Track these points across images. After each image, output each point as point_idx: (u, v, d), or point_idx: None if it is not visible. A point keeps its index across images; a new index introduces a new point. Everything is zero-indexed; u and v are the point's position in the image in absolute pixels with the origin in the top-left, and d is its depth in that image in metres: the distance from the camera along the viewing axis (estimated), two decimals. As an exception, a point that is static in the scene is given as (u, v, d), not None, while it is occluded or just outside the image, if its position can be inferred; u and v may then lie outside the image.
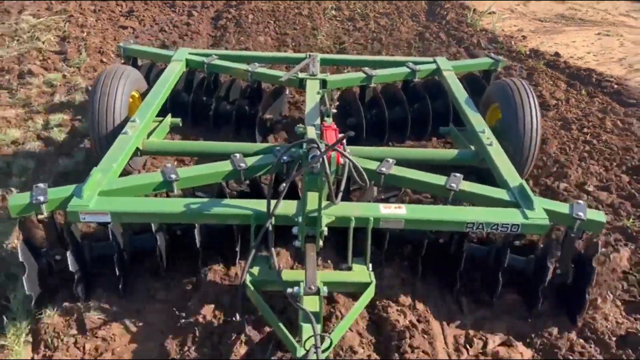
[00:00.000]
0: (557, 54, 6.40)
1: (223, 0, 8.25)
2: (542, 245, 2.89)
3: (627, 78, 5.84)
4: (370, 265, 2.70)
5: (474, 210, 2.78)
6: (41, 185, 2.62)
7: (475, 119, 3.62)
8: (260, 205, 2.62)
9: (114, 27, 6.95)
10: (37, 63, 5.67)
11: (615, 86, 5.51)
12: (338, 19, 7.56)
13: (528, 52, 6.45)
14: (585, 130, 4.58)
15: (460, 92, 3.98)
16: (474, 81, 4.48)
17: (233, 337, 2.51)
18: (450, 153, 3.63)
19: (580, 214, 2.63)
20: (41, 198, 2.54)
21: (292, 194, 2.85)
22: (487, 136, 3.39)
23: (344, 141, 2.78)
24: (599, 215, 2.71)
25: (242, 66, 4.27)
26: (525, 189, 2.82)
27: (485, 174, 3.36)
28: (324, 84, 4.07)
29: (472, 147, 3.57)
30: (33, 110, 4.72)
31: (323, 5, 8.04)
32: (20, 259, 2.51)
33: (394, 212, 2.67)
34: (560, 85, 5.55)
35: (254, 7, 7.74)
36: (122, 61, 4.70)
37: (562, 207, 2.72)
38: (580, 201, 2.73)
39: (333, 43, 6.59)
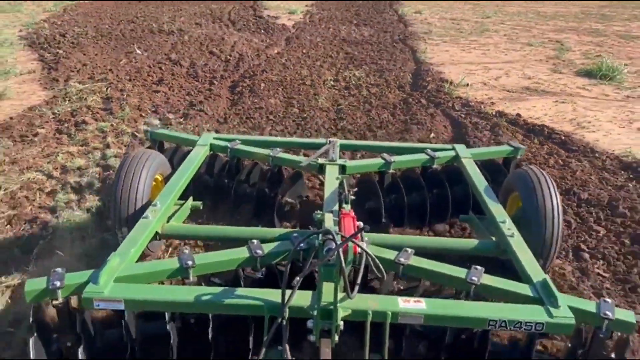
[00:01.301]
0: (518, 115, 7.67)
1: (238, 73, 9.71)
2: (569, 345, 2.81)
3: (575, 133, 7.06)
4: None
5: (496, 307, 2.67)
6: (59, 270, 2.63)
7: (496, 209, 3.57)
8: (274, 295, 2.57)
9: (148, 91, 8.27)
10: (89, 116, 6.92)
11: (563, 138, 6.73)
12: (336, 88, 8.92)
13: (494, 113, 7.73)
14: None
15: (479, 181, 3.95)
16: (494, 168, 4.54)
17: None
18: (471, 243, 3.58)
19: (608, 313, 2.51)
20: (57, 283, 2.54)
21: (310, 284, 2.74)
22: (508, 227, 3.33)
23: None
24: (629, 315, 2.56)
25: (264, 151, 4.38)
26: (549, 284, 2.72)
27: (507, 264, 3.29)
28: (343, 169, 4.09)
29: (493, 238, 3.53)
30: (91, 147, 5.90)
31: (323, 77, 9.45)
32: (32, 357, 2.48)
33: (414, 306, 2.57)
34: (518, 136, 6.77)
35: (265, 78, 9.13)
36: (148, 145, 4.88)
37: (589, 305, 2.61)
38: (607, 299, 2.62)
39: (331, 105, 7.90)
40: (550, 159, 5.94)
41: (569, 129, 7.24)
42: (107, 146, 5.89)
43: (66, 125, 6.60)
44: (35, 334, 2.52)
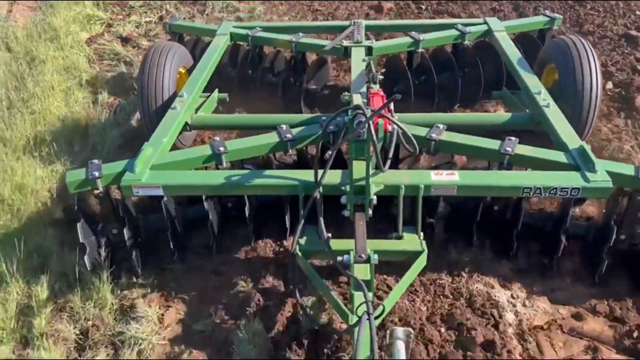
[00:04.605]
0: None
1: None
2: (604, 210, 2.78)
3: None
4: (422, 234, 2.63)
5: (530, 175, 2.67)
6: (95, 161, 2.72)
7: (531, 81, 3.47)
8: (307, 175, 2.62)
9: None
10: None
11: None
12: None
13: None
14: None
15: (513, 54, 3.82)
16: (527, 41, 4.32)
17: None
18: (504, 117, 3.52)
19: None
20: (96, 173, 2.63)
21: (342, 164, 2.81)
22: (544, 97, 3.25)
23: (392, 107, 2.72)
24: None
25: (286, 37, 4.23)
26: (586, 150, 2.67)
27: (541, 139, 3.20)
28: (369, 51, 3.95)
29: (527, 111, 3.44)
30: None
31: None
32: (81, 240, 2.65)
33: (446, 178, 2.57)
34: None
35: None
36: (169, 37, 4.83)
37: (627, 169, 2.59)
38: None
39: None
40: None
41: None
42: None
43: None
44: (82, 220, 2.69)
